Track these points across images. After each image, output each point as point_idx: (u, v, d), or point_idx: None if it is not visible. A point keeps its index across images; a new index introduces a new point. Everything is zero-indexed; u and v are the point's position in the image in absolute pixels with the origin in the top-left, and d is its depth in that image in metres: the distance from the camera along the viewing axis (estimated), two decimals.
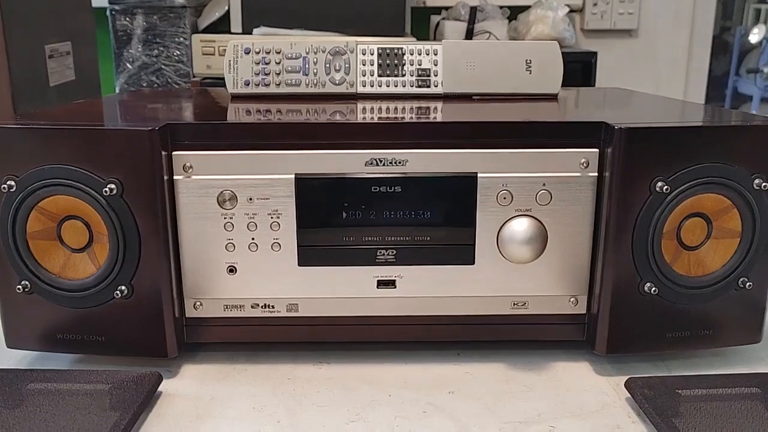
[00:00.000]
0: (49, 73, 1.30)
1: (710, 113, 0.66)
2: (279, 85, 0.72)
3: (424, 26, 2.07)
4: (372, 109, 0.68)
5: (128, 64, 1.68)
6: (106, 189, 0.54)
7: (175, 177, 0.56)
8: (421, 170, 0.57)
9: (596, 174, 0.57)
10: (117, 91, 1.71)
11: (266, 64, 0.72)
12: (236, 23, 1.70)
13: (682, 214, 0.57)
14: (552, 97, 0.73)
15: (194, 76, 1.67)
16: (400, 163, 0.57)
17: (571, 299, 0.60)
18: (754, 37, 3.52)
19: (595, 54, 1.75)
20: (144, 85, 1.69)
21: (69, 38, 1.38)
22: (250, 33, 1.67)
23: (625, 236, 0.56)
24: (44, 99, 1.29)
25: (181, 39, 1.66)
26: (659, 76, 2.24)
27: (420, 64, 0.73)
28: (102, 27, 1.65)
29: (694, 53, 2.29)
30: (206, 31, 1.75)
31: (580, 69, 1.70)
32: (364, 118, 0.66)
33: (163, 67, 1.68)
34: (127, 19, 1.66)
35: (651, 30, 2.23)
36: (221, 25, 1.77)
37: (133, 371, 0.56)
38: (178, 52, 1.66)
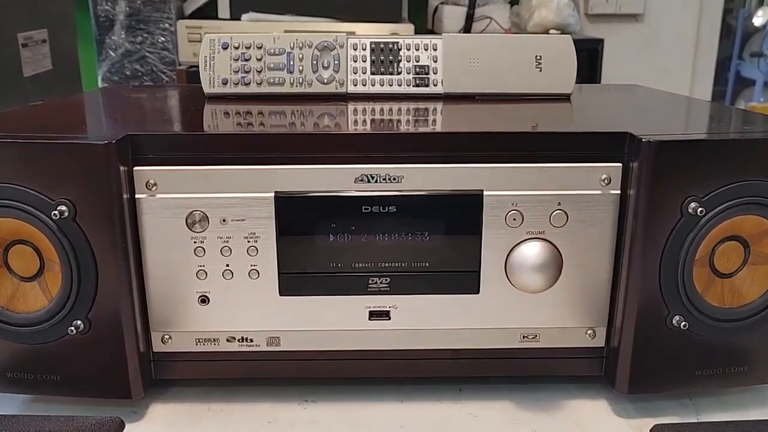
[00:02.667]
0: (23, 63, 1.22)
1: (749, 120, 0.58)
2: (261, 84, 0.65)
3: (421, 11, 1.98)
4: (364, 111, 0.61)
5: (111, 52, 1.59)
6: (56, 212, 0.47)
7: (136, 196, 0.49)
8: (419, 187, 0.50)
9: (619, 192, 0.50)
10: (99, 80, 1.63)
11: (246, 60, 0.65)
12: (224, 8, 1.62)
13: (717, 237, 0.50)
14: (564, 98, 0.66)
15: (180, 65, 1.59)
16: (394, 179, 0.50)
17: (588, 331, 0.53)
18: (758, 20, 3.44)
19: (601, 41, 1.67)
20: (128, 73, 1.61)
21: (45, 25, 1.30)
22: (239, 19, 1.59)
23: (652, 263, 0.49)
24: (18, 91, 1.21)
25: (166, 25, 1.58)
26: (666, 62, 2.16)
27: (417, 61, 0.65)
28: (82, 12, 1.56)
29: (702, 37, 2.21)
30: (192, 16, 1.67)
31: (585, 57, 1.62)
32: (356, 122, 0.59)
33: (147, 54, 1.60)
34: (109, 3, 1.57)
35: (657, 14, 2.15)
36: (208, 10, 1.69)
37: (91, 417, 0.49)
38: (163, 39, 1.58)
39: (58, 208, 0.47)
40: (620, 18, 2.13)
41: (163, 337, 0.53)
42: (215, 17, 1.64)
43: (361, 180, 0.50)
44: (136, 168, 0.49)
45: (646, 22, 2.15)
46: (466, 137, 0.51)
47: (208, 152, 0.49)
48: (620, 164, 0.50)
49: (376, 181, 0.50)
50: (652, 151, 0.47)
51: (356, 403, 0.54)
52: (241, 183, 0.49)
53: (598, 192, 0.50)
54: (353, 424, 0.52)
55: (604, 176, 0.50)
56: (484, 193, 0.50)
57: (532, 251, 0.50)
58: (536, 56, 0.65)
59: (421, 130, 0.54)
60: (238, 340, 0.53)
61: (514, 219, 0.50)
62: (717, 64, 2.30)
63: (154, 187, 0.49)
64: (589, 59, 1.64)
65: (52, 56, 1.33)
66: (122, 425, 0.49)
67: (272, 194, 0.49)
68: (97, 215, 0.47)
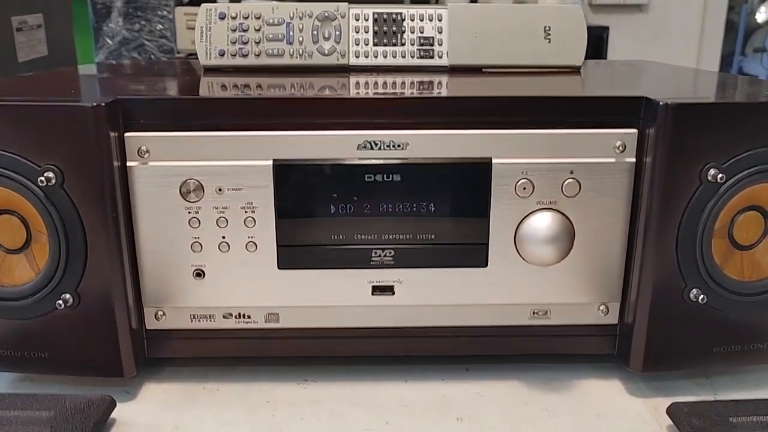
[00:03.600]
0: (17, 48, 1.20)
1: (765, 87, 0.56)
2: (259, 55, 0.62)
3: None
4: (367, 84, 0.59)
5: (108, 40, 1.57)
6: (43, 178, 0.44)
7: (128, 163, 0.47)
8: (425, 155, 0.47)
9: (634, 160, 0.47)
10: None
11: (244, 31, 0.62)
12: None
13: (736, 207, 0.47)
14: (574, 71, 0.63)
15: (178, 52, 1.56)
16: (399, 146, 0.47)
17: (601, 307, 0.51)
18: (761, 15, 3.42)
19: (606, 29, 1.65)
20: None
21: (40, 10, 1.28)
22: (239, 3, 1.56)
23: (668, 234, 0.47)
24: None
25: (165, 12, 1.56)
26: (671, 54, 2.14)
27: (422, 32, 0.63)
28: None
29: (707, 30, 2.18)
30: (191, 3, 1.64)
31: (591, 44, 1.60)
32: (358, 93, 0.56)
33: (145, 42, 1.57)
34: None
35: (662, 5, 2.12)
36: None
37: (81, 395, 0.47)
38: (161, 27, 1.56)
39: (45, 174, 0.44)
40: (624, 9, 2.10)
41: (156, 314, 0.50)
42: (214, 2, 1.61)
43: (364, 147, 0.47)
44: (127, 134, 0.47)
45: (650, 12, 2.13)
46: (475, 102, 0.48)
47: (203, 117, 0.47)
48: (635, 130, 0.47)
49: (379, 149, 0.47)
50: (670, 115, 0.45)
51: (358, 382, 0.52)
52: (238, 150, 0.47)
53: (613, 160, 0.47)
54: (355, 404, 0.49)
55: (618, 143, 0.47)
56: (493, 161, 0.47)
57: (542, 222, 0.48)
58: (545, 27, 0.63)
59: (428, 95, 0.52)
60: (235, 317, 0.51)
61: (524, 188, 0.48)
62: (720, 60, 2.28)
63: (147, 154, 0.47)
64: (595, 47, 1.61)
65: (47, 42, 1.31)
66: (113, 404, 0.47)
67: (271, 162, 0.47)
68: (86, 183, 0.45)
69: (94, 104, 0.44)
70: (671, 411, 0.46)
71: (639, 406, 0.49)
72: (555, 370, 0.53)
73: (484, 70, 0.63)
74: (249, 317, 0.51)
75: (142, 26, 1.57)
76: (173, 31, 1.56)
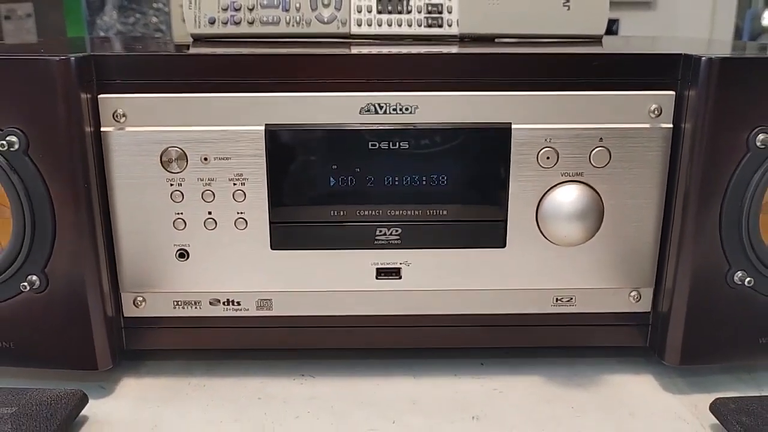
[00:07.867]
0: (4, 36, 1.16)
1: None
2: (252, 23, 0.57)
3: None
4: (370, 53, 0.53)
5: (102, 33, 1.53)
6: (4, 142, 0.39)
7: (102, 129, 0.42)
8: (436, 120, 0.42)
9: (671, 125, 0.42)
10: None
11: None
12: None
13: None
14: (596, 40, 0.58)
15: None
16: (407, 109, 0.42)
17: (633, 293, 0.46)
18: (766, 20, 3.39)
19: (616, 21, 1.61)
20: None
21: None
22: None
23: (711, 209, 0.42)
24: None
25: (160, 5, 1.51)
26: None
27: None
28: None
29: (717, 28, 2.14)
30: None
31: None
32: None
33: (140, 35, 1.53)
34: None
35: (671, 1, 2.08)
36: None
37: (48, 390, 0.41)
38: (157, 19, 1.51)
39: (7, 138, 0.39)
40: (632, 6, 2.06)
41: (135, 300, 0.45)
42: None
43: (368, 111, 0.42)
44: (101, 95, 0.42)
45: (659, 9, 2.09)
46: (493, 59, 0.43)
47: (186, 77, 0.42)
48: (673, 92, 0.42)
49: (385, 112, 0.42)
50: (714, 72, 0.40)
51: (361, 378, 0.47)
52: (226, 114, 0.42)
53: (647, 125, 0.42)
54: (358, 402, 0.44)
55: (653, 106, 0.42)
56: (513, 126, 0.42)
57: (568, 197, 0.43)
58: None
59: (439, 52, 0.47)
60: (223, 303, 0.45)
61: (548, 158, 0.43)
62: None
63: (123, 119, 0.42)
64: None
65: (37, 32, 1.27)
66: (84, 400, 0.42)
67: (263, 127, 0.42)
68: (54, 149, 0.40)
69: (62, 58, 0.39)
70: (715, 408, 0.41)
71: (676, 403, 0.44)
72: (580, 364, 0.48)
73: (496, 40, 0.58)
74: (239, 304, 0.45)
75: (137, 19, 1.52)
76: (169, 24, 1.52)
